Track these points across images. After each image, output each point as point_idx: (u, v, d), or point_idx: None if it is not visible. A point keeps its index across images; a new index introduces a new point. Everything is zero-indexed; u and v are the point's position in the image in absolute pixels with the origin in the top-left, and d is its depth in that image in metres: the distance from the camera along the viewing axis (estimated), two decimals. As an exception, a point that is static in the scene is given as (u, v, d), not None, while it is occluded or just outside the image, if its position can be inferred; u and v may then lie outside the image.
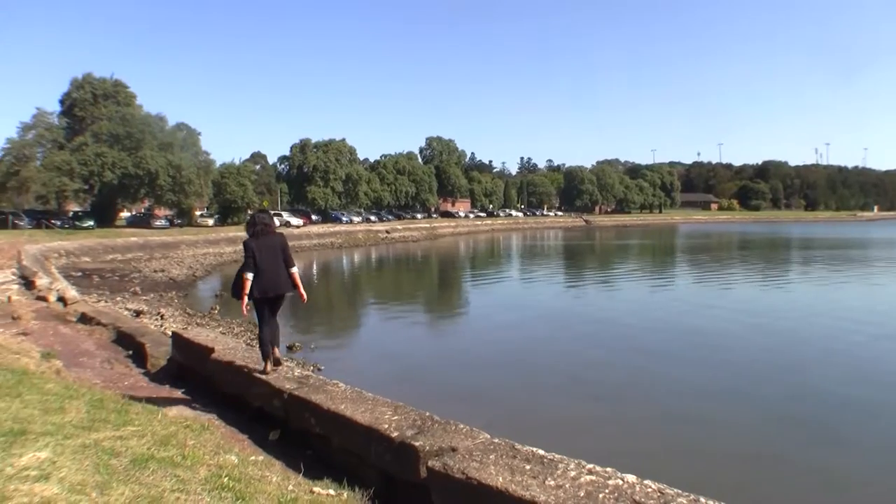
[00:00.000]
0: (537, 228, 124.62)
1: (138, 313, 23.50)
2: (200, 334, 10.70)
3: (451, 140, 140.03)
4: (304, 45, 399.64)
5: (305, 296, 8.72)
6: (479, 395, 15.31)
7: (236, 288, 8.17)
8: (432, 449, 5.22)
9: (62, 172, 60.41)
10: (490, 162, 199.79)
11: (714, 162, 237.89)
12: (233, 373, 8.64)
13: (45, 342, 13.05)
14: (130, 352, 12.83)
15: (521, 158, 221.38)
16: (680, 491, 4.16)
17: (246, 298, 8.04)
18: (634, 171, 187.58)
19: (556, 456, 4.79)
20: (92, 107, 66.54)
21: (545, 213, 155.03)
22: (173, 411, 7.85)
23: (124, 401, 7.76)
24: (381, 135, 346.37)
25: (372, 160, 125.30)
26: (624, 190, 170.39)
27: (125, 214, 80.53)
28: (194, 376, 9.94)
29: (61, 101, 68.96)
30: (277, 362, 8.35)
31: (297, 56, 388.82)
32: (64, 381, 9.03)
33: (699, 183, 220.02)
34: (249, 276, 7.99)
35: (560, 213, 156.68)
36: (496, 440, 5.30)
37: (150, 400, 8.80)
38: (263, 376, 7.98)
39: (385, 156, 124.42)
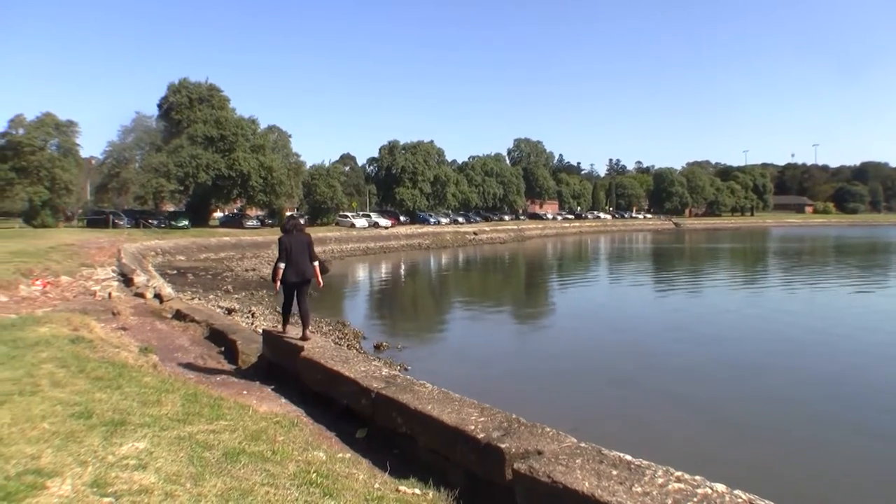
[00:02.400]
0: (625, 231, 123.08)
1: (230, 311, 24.02)
2: (290, 332, 10.89)
3: (539, 141, 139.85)
4: (392, 48, 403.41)
5: (322, 282, 10.92)
6: (565, 398, 15.22)
7: (274, 274, 10.42)
8: (518, 451, 5.21)
9: (159, 174, 62.44)
10: (578, 163, 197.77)
11: (809, 163, 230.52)
12: (321, 371, 8.77)
13: (143, 337, 13.51)
14: (222, 348, 13.16)
15: (610, 160, 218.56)
16: (771, 503, 4.06)
17: (279, 283, 10.35)
18: (726, 172, 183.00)
19: (644, 462, 4.73)
20: (188, 110, 68.28)
21: (634, 215, 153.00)
22: (263, 407, 8.03)
23: (217, 396, 7.97)
24: (469, 137, 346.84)
25: (460, 162, 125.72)
26: (715, 192, 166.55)
27: (218, 214, 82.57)
28: (284, 374, 10.13)
29: (159, 105, 71.07)
30: (305, 338, 10.15)
31: (386, 59, 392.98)
32: (160, 375, 9.33)
33: (793, 185, 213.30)
34: (282, 265, 10.22)
35: (649, 216, 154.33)
36: (583, 444, 5.26)
37: (241, 395, 9.05)
38: (343, 369, 8.09)
39: (473, 157, 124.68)
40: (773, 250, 75.28)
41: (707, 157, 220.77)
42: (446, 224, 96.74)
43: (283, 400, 9.12)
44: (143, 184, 63.27)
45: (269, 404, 8.59)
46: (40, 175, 58.97)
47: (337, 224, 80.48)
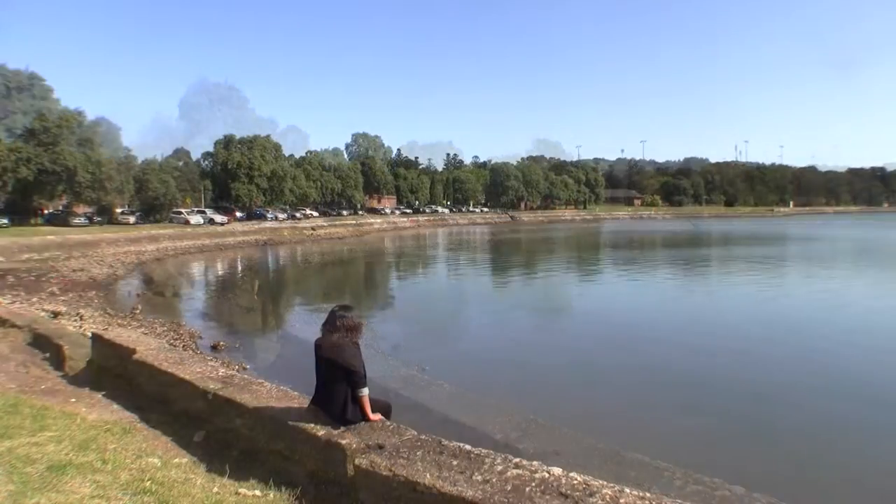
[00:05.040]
0: (463, 224, 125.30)
1: (56, 314, 22.85)
2: (122, 335, 10.48)
3: (377, 136, 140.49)
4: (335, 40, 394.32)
5: None
6: (401, 391, 15.33)
7: None
8: (359, 447, 5.23)
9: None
10: (416, 158, 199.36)
11: (637, 158, 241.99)
12: (155, 374, 8.49)
13: (-53, 348, 12.62)
14: (48, 354, 12.44)
15: (448, 155, 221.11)
16: (605, 482, 4.24)
17: None
18: (559, 167, 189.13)
19: (483, 451, 4.85)
20: (5, 100, 64.45)
21: (471, 209, 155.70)
22: (93, 415, 7.70)
23: (41, 406, 7.58)
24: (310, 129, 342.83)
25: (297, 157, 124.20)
26: (549, 186, 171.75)
27: (48, 212, 78.32)
28: (116, 378, 9.73)
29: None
30: None
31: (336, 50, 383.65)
32: (-27, 387, 8.78)
33: (623, 179, 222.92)
34: None
35: (486, 210, 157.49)
36: (423, 437, 5.34)
37: (68, 404, 8.63)
38: (177, 371, 7.88)
39: (311, 152, 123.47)
40: (605, 242, 78.49)
41: (542, 153, 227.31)
42: (284, 220, 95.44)
43: (116, 406, 8.75)
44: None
45: (99, 411, 8.23)
46: None
47: (171, 221, 78.01)
